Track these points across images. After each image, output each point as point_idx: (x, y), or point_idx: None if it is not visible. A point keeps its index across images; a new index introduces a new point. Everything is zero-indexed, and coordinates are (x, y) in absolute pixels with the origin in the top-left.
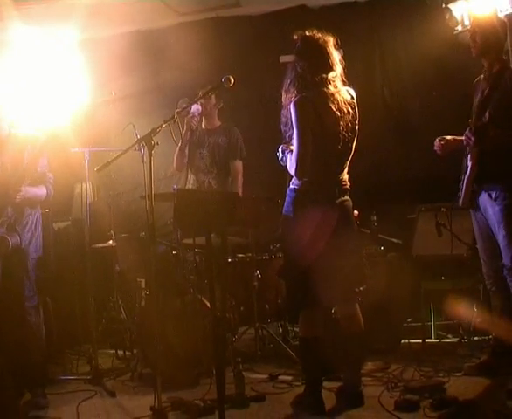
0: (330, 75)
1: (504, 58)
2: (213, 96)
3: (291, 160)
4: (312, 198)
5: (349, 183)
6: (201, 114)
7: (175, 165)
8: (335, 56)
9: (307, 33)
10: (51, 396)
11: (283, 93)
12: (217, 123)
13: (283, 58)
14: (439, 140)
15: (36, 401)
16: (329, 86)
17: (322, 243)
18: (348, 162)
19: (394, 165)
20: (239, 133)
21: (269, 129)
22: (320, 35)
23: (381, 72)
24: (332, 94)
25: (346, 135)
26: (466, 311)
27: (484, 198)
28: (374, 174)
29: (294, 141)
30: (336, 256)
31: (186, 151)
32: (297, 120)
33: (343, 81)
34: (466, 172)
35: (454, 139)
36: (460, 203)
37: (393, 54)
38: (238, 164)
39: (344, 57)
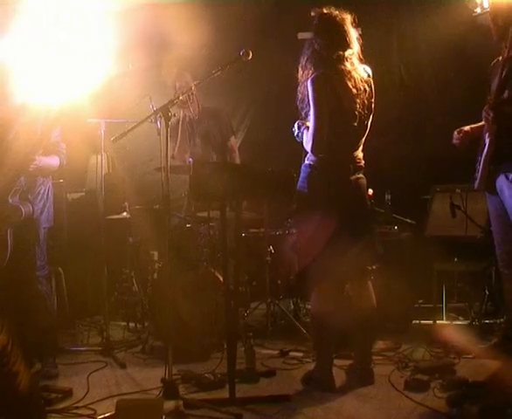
0: (347, 53)
1: None
2: (192, 83)
3: (307, 136)
4: (326, 174)
5: (363, 161)
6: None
7: (178, 159)
8: (353, 34)
9: (325, 10)
10: (62, 366)
11: (300, 70)
12: (200, 108)
13: (301, 35)
14: (458, 133)
15: (46, 370)
16: (346, 64)
17: (336, 220)
18: (363, 140)
19: (410, 145)
20: (225, 110)
21: (285, 105)
22: (337, 12)
23: (398, 52)
24: (349, 72)
25: (362, 113)
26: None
27: (501, 180)
28: (389, 153)
29: (311, 118)
30: (349, 232)
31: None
32: (314, 97)
33: (360, 59)
34: (483, 150)
35: (471, 128)
36: (476, 186)
37: (411, 34)
38: (233, 141)
39: (362, 35)
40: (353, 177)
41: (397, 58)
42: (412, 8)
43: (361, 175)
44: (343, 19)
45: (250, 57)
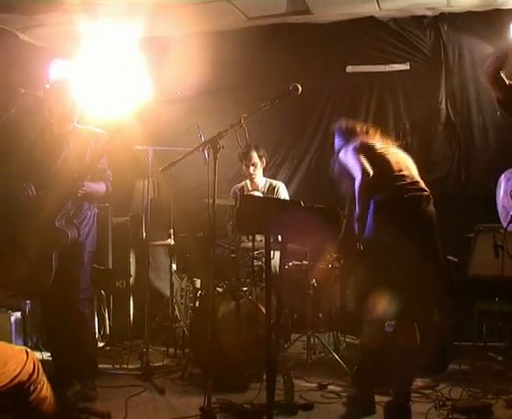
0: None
1: None
2: (257, 158)
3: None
4: (394, 207)
5: (428, 190)
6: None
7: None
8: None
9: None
10: (101, 389)
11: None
12: (262, 182)
13: (350, 69)
14: None
15: (85, 392)
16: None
17: (405, 253)
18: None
19: (454, 182)
20: (284, 186)
21: (332, 138)
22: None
23: (446, 88)
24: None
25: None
26: None
27: None
28: (434, 190)
29: (356, 178)
30: (419, 265)
31: None
32: (356, 156)
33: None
34: None
35: None
36: None
37: (459, 70)
38: None
39: (410, 71)
40: (422, 207)
41: (444, 94)
42: (460, 42)
43: (430, 206)
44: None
45: (299, 92)
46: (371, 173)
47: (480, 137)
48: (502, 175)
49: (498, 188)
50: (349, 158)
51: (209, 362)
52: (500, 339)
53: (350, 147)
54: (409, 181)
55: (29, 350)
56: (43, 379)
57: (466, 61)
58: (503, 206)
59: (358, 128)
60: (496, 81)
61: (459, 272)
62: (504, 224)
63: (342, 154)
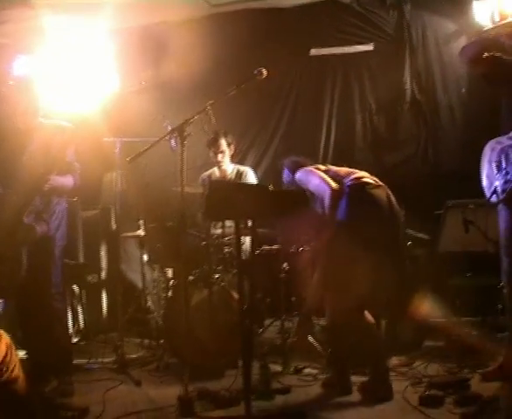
0: None
1: None
2: (226, 146)
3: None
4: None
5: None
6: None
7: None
8: None
9: None
10: (78, 384)
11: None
12: (230, 168)
13: (314, 52)
14: None
15: (62, 388)
16: None
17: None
18: None
19: (422, 160)
20: (252, 171)
21: (298, 121)
22: None
23: (410, 67)
24: None
25: None
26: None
27: None
28: (402, 168)
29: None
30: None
31: None
32: (317, 175)
33: None
34: None
35: None
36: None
37: (423, 49)
38: None
39: (374, 51)
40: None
41: (409, 73)
42: (424, 22)
43: (378, 191)
44: None
45: (264, 76)
46: (334, 185)
47: (446, 115)
48: (487, 145)
49: (482, 158)
50: (310, 177)
51: (183, 351)
52: (473, 314)
53: (308, 169)
54: (357, 176)
55: (1, 331)
56: (15, 360)
57: (429, 40)
58: (487, 176)
59: (305, 162)
60: (480, 61)
61: (429, 250)
62: (488, 195)
63: (301, 175)
